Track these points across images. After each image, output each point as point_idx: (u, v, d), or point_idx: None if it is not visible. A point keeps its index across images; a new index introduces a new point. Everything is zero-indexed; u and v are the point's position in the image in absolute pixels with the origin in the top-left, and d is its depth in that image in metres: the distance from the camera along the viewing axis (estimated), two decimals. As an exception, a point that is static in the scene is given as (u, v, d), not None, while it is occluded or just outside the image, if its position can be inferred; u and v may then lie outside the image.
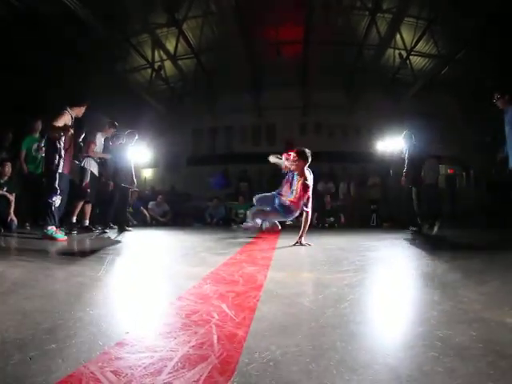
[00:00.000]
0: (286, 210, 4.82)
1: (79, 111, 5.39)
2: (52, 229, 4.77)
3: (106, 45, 10.39)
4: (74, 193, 6.08)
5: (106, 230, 6.41)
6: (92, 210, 6.73)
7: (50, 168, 4.97)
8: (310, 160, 4.68)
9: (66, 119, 5.02)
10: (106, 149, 6.93)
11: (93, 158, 6.43)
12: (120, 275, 2.61)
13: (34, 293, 1.83)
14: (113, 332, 1.26)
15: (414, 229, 6.67)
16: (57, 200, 4.94)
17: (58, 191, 4.95)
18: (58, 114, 5.02)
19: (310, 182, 4.55)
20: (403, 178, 7.04)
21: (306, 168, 4.65)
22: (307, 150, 4.70)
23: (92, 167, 6.40)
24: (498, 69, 10.58)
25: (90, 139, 6.38)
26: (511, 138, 5.31)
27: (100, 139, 6.60)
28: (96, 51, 10.22)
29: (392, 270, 2.84)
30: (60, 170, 4.98)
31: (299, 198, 4.56)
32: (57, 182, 4.95)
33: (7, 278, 2.25)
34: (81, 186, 6.21)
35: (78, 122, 5.59)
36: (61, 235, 4.80)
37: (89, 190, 6.27)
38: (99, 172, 6.63)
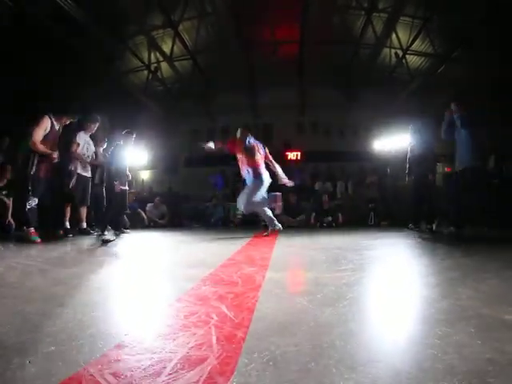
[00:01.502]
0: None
1: (61, 120, 5.39)
2: (32, 231, 4.88)
3: (102, 46, 10.38)
4: (61, 196, 6.05)
5: (105, 233, 6.39)
6: (88, 212, 6.69)
7: (25, 171, 5.03)
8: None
9: (45, 126, 5.06)
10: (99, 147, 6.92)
11: (80, 159, 6.35)
12: (118, 277, 2.60)
13: (33, 295, 1.83)
14: (112, 334, 1.26)
15: (414, 227, 6.67)
16: (32, 202, 4.99)
17: (30, 193, 5.00)
18: (38, 119, 5.05)
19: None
20: (407, 179, 7.00)
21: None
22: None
23: (80, 169, 6.32)
24: (494, 67, 10.62)
25: (73, 140, 6.25)
26: (460, 143, 5.51)
27: (83, 138, 6.45)
28: (92, 53, 10.20)
29: (390, 269, 2.84)
30: (32, 173, 5.00)
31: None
32: (31, 185, 5.01)
33: (6, 281, 2.25)
34: (68, 188, 6.14)
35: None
36: (35, 237, 4.90)
37: (75, 193, 6.20)
38: (104, 173, 6.58)
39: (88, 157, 6.53)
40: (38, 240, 4.88)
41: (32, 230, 4.96)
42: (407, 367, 0.96)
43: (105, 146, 7.07)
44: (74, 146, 6.23)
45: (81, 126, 6.47)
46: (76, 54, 9.82)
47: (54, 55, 9.59)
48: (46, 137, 5.13)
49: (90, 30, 9.11)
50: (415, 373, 0.92)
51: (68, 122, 5.58)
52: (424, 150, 6.70)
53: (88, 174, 6.52)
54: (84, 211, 6.53)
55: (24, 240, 4.85)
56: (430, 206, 6.73)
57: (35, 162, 5.03)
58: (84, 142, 6.45)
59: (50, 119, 5.20)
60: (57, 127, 5.36)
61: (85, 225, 6.52)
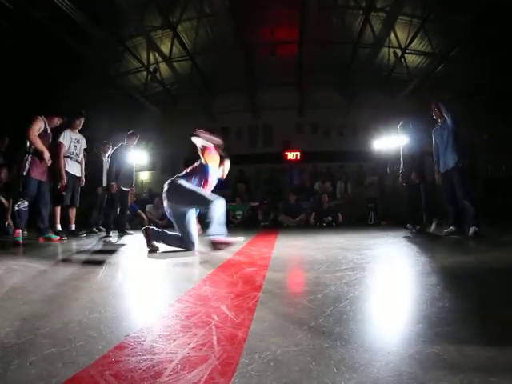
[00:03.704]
0: None
1: (52, 121, 5.39)
2: (17, 231, 4.97)
3: (101, 47, 10.37)
4: (52, 197, 6.01)
5: (110, 235, 6.34)
6: (77, 213, 6.64)
7: (18, 172, 5.13)
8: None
9: (39, 125, 5.11)
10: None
11: (71, 157, 6.28)
12: (119, 278, 2.60)
13: (33, 297, 1.83)
14: (112, 335, 1.25)
15: (417, 227, 6.54)
16: (21, 204, 5.00)
17: (22, 195, 5.06)
18: (32, 119, 5.09)
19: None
20: (400, 179, 6.92)
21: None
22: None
23: (69, 168, 6.23)
24: (491, 66, 10.64)
25: (58, 140, 6.08)
26: (443, 146, 5.70)
27: (69, 136, 6.29)
28: (91, 54, 10.20)
29: (390, 268, 2.84)
30: (25, 173, 5.01)
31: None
32: (22, 185, 5.07)
33: (5, 284, 2.25)
34: (57, 189, 6.07)
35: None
36: (20, 238, 4.95)
37: (64, 193, 6.14)
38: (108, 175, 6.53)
39: (77, 155, 6.43)
40: (20, 241, 4.89)
41: (18, 230, 4.98)
42: (409, 367, 0.95)
43: (110, 152, 7.01)
44: (60, 147, 6.09)
45: (67, 125, 6.31)
46: (75, 56, 9.81)
47: (54, 57, 9.59)
48: (39, 136, 5.14)
49: (88, 31, 9.10)
50: (417, 372, 0.92)
51: (59, 123, 5.54)
52: (412, 150, 6.68)
53: (77, 173, 6.43)
54: (73, 212, 6.48)
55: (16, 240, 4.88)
56: (424, 206, 6.67)
57: (28, 162, 5.03)
58: (71, 140, 6.32)
59: (43, 121, 5.20)
60: (48, 130, 5.35)
61: (73, 226, 6.48)
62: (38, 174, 5.14)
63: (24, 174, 5.01)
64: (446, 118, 5.62)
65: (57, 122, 5.49)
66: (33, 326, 1.36)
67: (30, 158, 5.07)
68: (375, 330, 1.33)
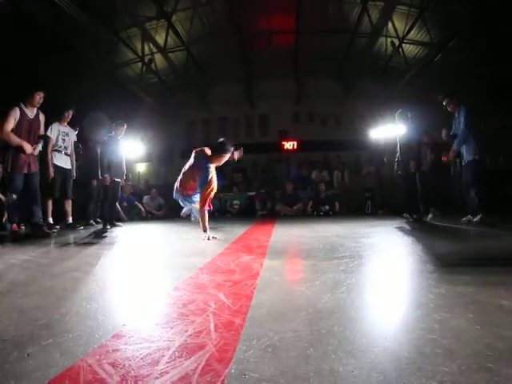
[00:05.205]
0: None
1: (33, 102, 5.21)
2: (13, 226, 4.95)
3: (94, 39, 10.26)
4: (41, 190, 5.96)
5: (108, 227, 6.29)
6: (74, 206, 6.55)
7: (4, 168, 5.04)
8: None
9: (13, 117, 4.94)
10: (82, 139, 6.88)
11: (59, 151, 6.17)
12: (116, 268, 2.60)
13: (31, 290, 1.82)
14: (110, 324, 1.26)
15: (414, 216, 6.50)
16: (10, 199, 4.97)
17: (10, 190, 5.02)
18: (8, 111, 4.93)
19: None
20: (396, 167, 6.86)
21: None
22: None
23: (57, 161, 6.13)
24: (489, 57, 10.58)
25: (45, 134, 5.87)
26: (463, 135, 5.60)
27: (57, 129, 6.18)
28: (85, 45, 10.09)
29: (387, 256, 2.84)
30: (9, 170, 4.94)
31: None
32: (8, 181, 5.03)
33: (4, 278, 2.24)
34: (46, 181, 5.91)
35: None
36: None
37: (54, 186, 6.00)
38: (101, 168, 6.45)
39: (65, 148, 6.32)
40: (18, 235, 4.88)
41: (14, 225, 4.97)
42: (407, 352, 0.96)
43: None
44: (47, 141, 5.93)
45: (54, 117, 6.21)
46: (68, 47, 9.69)
47: (47, 49, 9.46)
48: (19, 126, 5.00)
49: (82, 23, 8.98)
50: (414, 357, 0.92)
51: (42, 98, 5.36)
52: (410, 139, 6.65)
53: (66, 166, 6.32)
54: (68, 205, 6.36)
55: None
56: (421, 195, 6.62)
57: (10, 157, 4.94)
58: (58, 133, 6.21)
59: (20, 109, 5.03)
60: (31, 115, 5.18)
61: (70, 219, 6.38)
62: (22, 167, 5.01)
63: (8, 170, 4.93)
64: (461, 109, 5.61)
65: (39, 99, 5.29)
66: (31, 318, 1.36)
67: (11, 153, 4.96)
68: (373, 316, 1.33)
